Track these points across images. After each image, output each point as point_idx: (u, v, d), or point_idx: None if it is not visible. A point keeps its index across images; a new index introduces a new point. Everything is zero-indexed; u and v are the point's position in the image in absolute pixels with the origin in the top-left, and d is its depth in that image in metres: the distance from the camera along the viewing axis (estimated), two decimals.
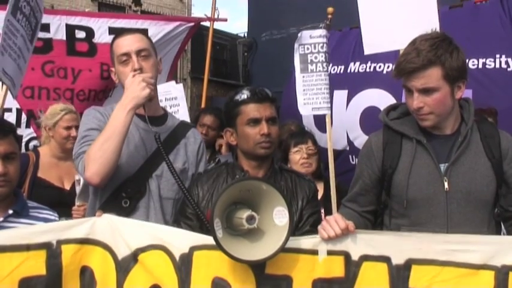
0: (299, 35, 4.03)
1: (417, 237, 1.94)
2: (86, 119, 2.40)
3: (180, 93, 4.45)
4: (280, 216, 1.82)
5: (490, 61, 4.23)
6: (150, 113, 2.36)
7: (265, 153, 2.24)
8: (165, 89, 4.49)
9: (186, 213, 2.26)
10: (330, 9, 4.41)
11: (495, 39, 4.26)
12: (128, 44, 2.38)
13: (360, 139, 4.78)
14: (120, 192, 2.32)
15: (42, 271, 1.88)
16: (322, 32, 4.02)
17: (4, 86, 3.01)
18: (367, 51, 3.59)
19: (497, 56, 4.22)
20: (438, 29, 2.71)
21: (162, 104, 2.92)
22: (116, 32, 4.84)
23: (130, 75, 2.28)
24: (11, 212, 2.17)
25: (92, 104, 4.67)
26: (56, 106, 3.79)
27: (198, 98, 5.24)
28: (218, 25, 6.20)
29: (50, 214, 2.33)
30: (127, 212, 2.27)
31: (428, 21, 3.13)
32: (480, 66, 4.24)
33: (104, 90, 4.94)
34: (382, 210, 2.29)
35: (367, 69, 4.95)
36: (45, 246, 1.90)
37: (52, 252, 1.90)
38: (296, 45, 4.03)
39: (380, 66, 4.87)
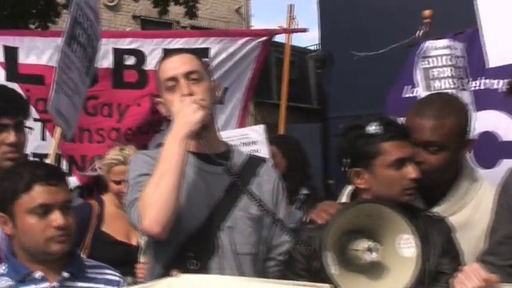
0: (422, 46, 4.02)
1: None
2: (133, 165, 2.38)
3: (261, 137, 4.20)
4: (406, 245, 1.79)
5: None
6: (209, 150, 2.29)
7: (409, 200, 2.22)
8: (242, 133, 4.33)
9: (296, 270, 2.20)
10: (427, 12, 4.24)
11: None
12: (174, 66, 2.34)
13: None
14: (185, 252, 2.26)
15: None
16: (447, 42, 3.97)
17: (58, 128, 3.15)
18: (492, 64, 3.52)
19: None
20: None
21: None
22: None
23: (177, 100, 2.26)
24: (66, 275, 2.18)
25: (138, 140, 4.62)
26: (111, 153, 3.77)
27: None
28: (280, 37, 5.66)
29: (112, 274, 2.34)
30: None
31: None
32: None
33: (154, 124, 4.85)
34: None
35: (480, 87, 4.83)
36: None
37: None
38: (416, 59, 4.03)
39: (493, 84, 4.74)
